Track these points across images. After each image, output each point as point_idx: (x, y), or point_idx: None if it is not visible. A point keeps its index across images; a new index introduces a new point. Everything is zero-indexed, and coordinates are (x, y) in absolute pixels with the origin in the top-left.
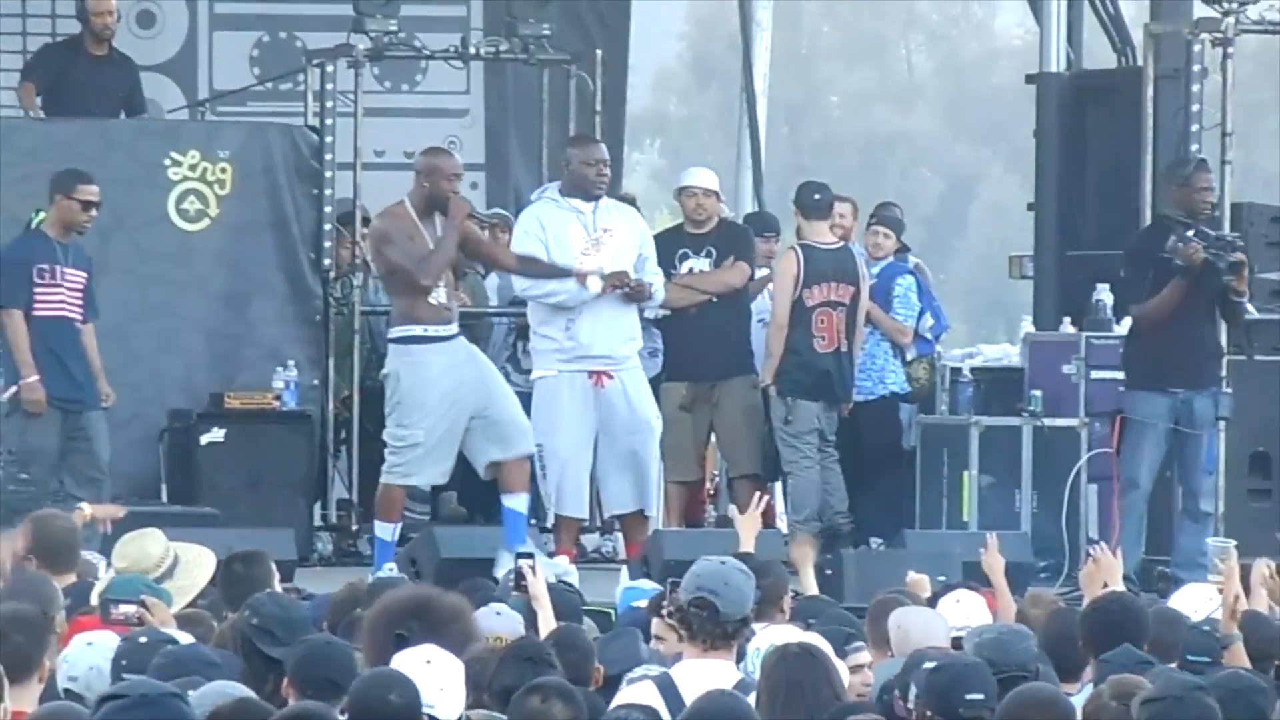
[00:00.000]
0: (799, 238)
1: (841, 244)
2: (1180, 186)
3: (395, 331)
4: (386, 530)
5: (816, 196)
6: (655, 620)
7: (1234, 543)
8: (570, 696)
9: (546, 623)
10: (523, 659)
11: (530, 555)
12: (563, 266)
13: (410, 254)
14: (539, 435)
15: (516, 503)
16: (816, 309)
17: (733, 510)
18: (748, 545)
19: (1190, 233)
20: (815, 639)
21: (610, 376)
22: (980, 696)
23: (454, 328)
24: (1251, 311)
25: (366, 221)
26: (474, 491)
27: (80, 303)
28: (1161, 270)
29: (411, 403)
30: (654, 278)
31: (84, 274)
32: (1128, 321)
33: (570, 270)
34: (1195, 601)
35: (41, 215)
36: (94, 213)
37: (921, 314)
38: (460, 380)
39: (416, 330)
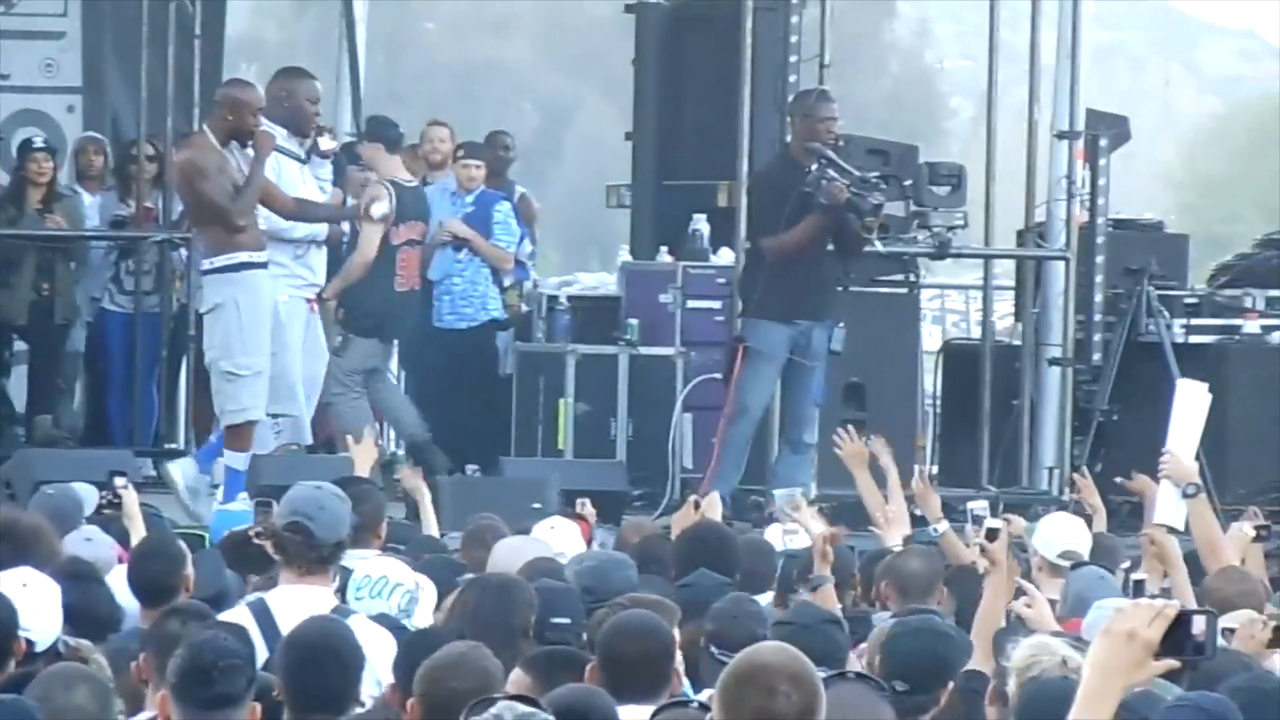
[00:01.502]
0: (375, 171)
1: (414, 181)
2: (804, 118)
3: (218, 260)
4: (239, 460)
5: (397, 131)
6: None
7: (800, 490)
8: (205, 615)
9: (139, 538)
10: (69, 576)
11: (124, 474)
12: (336, 209)
13: (224, 189)
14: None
15: (238, 461)
16: (401, 247)
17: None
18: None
19: (830, 170)
20: (421, 578)
21: (317, 303)
22: (566, 620)
23: (267, 254)
24: (878, 249)
25: None
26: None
27: None
28: (797, 204)
29: (252, 329)
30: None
31: None
32: (725, 251)
33: (345, 214)
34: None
35: None
36: None
37: (521, 240)
38: (274, 316)
39: (242, 256)
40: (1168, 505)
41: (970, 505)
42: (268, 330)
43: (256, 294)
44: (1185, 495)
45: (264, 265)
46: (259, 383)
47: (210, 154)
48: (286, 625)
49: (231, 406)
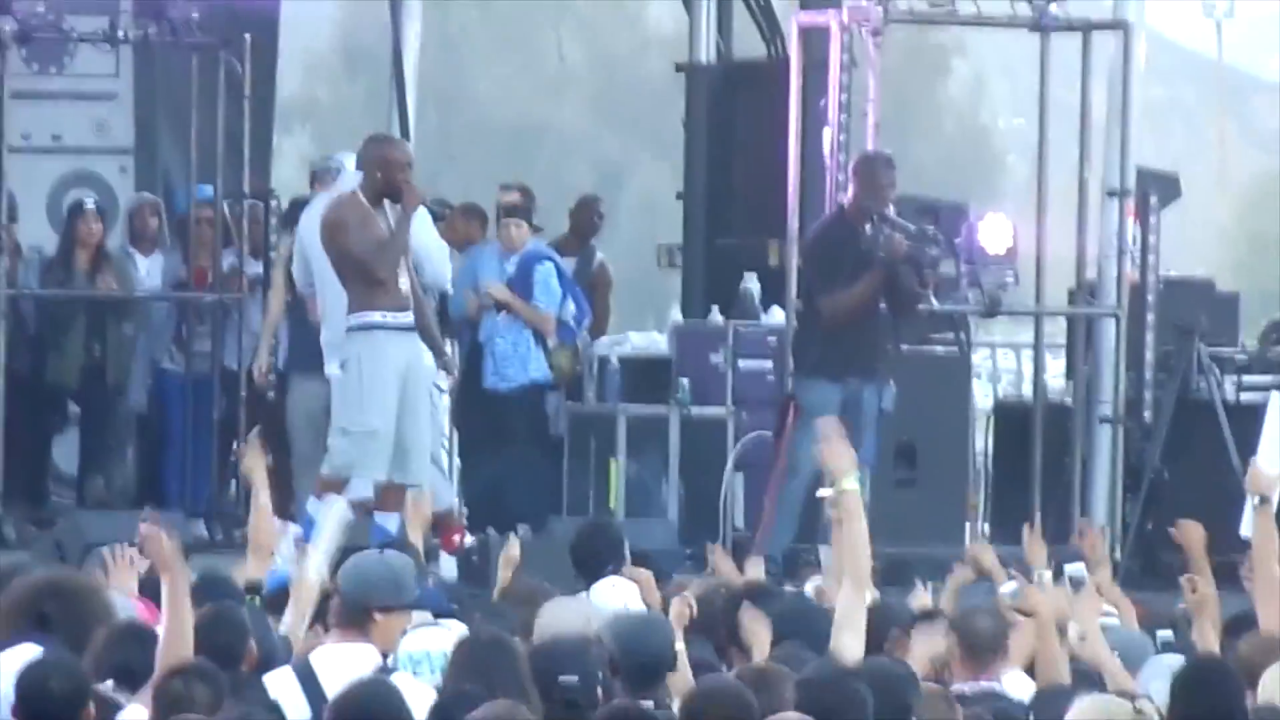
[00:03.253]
0: None
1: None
2: (865, 180)
3: (354, 319)
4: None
5: None
6: None
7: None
8: (211, 678)
9: (173, 589)
10: (125, 637)
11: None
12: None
13: (366, 243)
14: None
15: (389, 521)
16: None
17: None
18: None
19: (887, 226)
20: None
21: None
22: (574, 679)
23: (411, 317)
24: (933, 305)
25: (13, 207)
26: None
27: None
28: (854, 263)
29: (373, 389)
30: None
31: None
32: (776, 310)
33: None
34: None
35: None
36: None
37: (564, 300)
38: (406, 380)
39: (376, 317)
40: (1247, 517)
41: (1067, 568)
42: (391, 393)
43: (381, 356)
44: (1254, 506)
45: (404, 328)
46: (370, 443)
47: (355, 210)
48: (331, 687)
49: (337, 460)
